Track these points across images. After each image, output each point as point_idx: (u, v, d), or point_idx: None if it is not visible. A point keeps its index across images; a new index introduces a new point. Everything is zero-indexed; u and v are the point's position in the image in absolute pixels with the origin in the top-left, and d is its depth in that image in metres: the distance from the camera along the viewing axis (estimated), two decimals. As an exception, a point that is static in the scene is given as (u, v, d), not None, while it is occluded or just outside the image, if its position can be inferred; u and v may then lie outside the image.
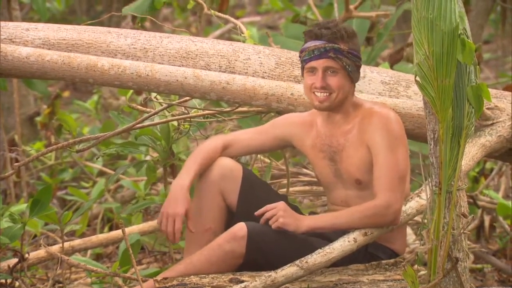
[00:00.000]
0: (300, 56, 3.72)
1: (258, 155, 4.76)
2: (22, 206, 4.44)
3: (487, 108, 3.97)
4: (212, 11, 4.76)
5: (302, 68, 3.72)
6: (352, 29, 3.71)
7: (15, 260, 4.17)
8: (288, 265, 3.46)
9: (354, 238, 3.54)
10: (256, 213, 3.65)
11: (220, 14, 4.84)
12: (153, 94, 4.43)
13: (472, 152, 3.84)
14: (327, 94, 3.65)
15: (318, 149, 3.79)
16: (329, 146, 3.76)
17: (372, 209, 3.56)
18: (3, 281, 4.03)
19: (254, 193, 3.78)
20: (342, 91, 3.66)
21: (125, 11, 4.67)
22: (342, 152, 3.73)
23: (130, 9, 4.67)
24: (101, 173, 6.48)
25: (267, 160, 4.96)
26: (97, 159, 5.18)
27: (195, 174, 3.76)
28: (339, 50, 3.63)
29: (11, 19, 5.74)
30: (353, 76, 3.68)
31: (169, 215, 3.66)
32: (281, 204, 3.64)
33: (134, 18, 4.70)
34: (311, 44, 3.66)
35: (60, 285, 4.58)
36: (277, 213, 3.61)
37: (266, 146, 3.93)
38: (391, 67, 5.17)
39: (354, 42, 3.68)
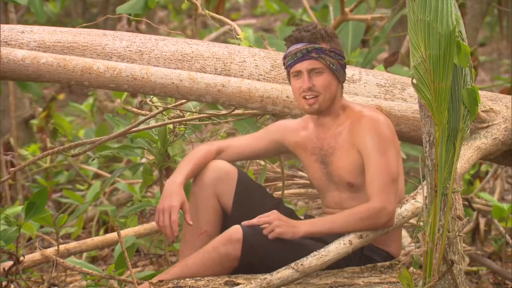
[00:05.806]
0: (284, 63, 3.72)
1: (254, 158, 4.75)
2: (18, 208, 4.42)
3: (483, 111, 3.98)
4: (207, 11, 4.75)
5: (288, 74, 3.73)
6: (332, 30, 3.73)
7: (10, 262, 4.17)
8: (284, 267, 3.46)
9: (349, 240, 3.54)
10: (246, 223, 3.64)
11: (214, 14, 4.83)
12: (149, 97, 4.43)
13: (467, 154, 3.84)
14: (315, 96, 3.65)
15: (310, 152, 3.80)
16: (320, 149, 3.76)
17: (366, 211, 3.56)
18: (-2, 283, 4.04)
19: (249, 195, 3.78)
20: (329, 91, 3.67)
21: (119, 10, 4.66)
22: (333, 155, 3.73)
23: (124, 8, 4.66)
24: (96, 176, 6.48)
25: (262, 162, 4.96)
26: (92, 161, 5.17)
27: (188, 173, 3.75)
28: (321, 50, 3.64)
29: (7, 22, 5.73)
30: (338, 75, 3.68)
31: (165, 209, 3.64)
32: (274, 214, 3.63)
33: (129, 20, 4.68)
34: (293, 48, 3.66)
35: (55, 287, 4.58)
36: (273, 223, 3.60)
37: (260, 152, 3.93)
38: (387, 70, 5.17)
39: (336, 42, 3.69)
